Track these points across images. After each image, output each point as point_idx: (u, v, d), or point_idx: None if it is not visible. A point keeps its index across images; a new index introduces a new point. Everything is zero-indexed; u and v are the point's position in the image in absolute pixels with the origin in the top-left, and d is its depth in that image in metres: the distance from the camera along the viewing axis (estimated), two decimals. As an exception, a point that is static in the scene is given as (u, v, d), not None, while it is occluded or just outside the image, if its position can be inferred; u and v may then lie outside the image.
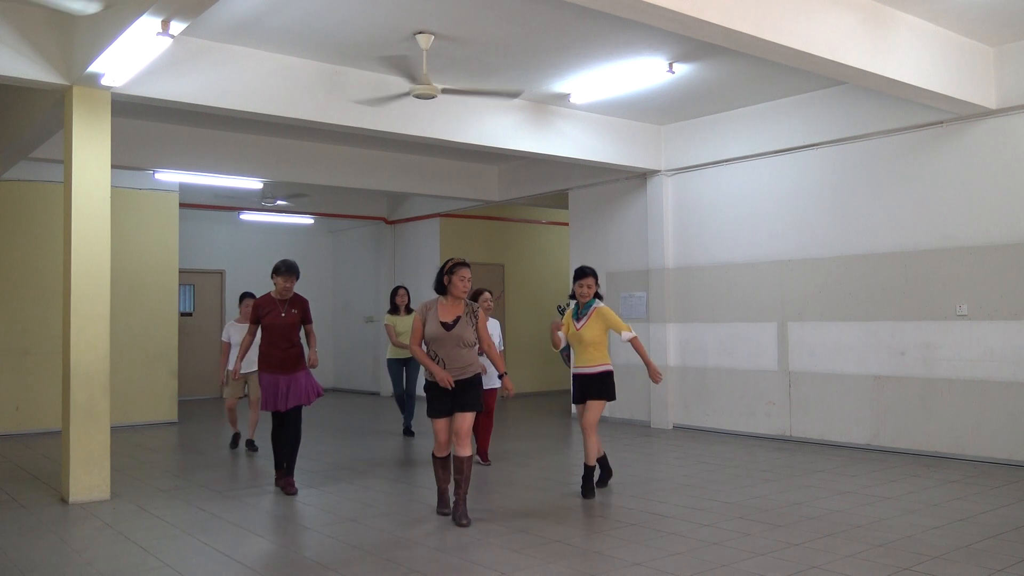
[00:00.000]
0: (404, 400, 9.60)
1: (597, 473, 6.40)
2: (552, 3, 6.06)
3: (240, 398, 8.88)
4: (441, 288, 5.50)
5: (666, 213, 10.12)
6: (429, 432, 10.00)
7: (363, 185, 11.13)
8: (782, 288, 8.90)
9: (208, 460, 8.17)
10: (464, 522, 5.30)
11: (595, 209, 11.15)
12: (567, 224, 12.06)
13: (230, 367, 8.52)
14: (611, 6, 4.98)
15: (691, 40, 6.62)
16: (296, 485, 6.52)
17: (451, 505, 5.53)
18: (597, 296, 6.31)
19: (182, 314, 13.75)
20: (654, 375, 6.29)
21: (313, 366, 6.49)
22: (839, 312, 8.39)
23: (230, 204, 13.48)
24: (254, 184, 11.33)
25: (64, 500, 6.22)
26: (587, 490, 6.16)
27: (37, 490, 6.68)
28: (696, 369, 9.77)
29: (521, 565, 4.45)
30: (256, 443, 8.67)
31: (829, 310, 8.48)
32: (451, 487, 5.56)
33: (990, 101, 7.26)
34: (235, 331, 8.64)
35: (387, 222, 14.82)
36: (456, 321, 5.41)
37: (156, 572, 4.45)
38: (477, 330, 5.52)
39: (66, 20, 6.15)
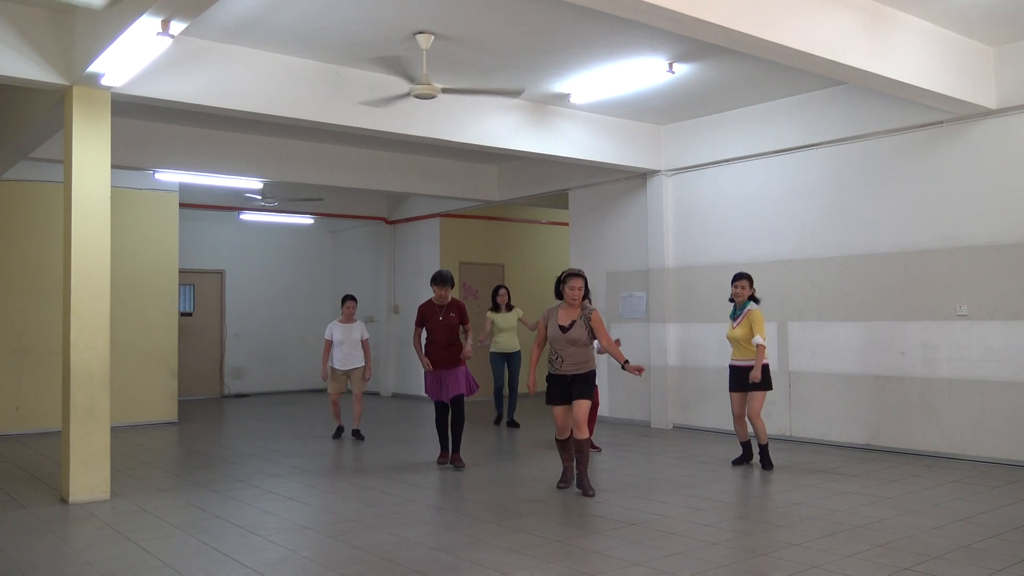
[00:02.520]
0: (501, 393, 10.30)
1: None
2: (552, 3, 6.06)
3: (342, 393, 9.42)
4: (559, 295, 6.34)
5: (666, 213, 10.12)
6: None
7: (363, 185, 11.13)
8: (782, 288, 8.89)
9: (208, 460, 8.17)
10: (590, 493, 6.12)
11: (595, 209, 11.15)
12: (567, 224, 12.06)
13: (332, 364, 9.24)
14: (611, 6, 4.98)
15: (691, 40, 6.62)
16: (463, 460, 7.51)
17: (571, 480, 6.41)
18: (753, 299, 7.22)
19: (182, 314, 13.75)
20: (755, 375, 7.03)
21: (467, 356, 7.47)
22: (839, 312, 8.39)
23: (231, 204, 13.48)
24: (254, 184, 11.33)
25: (64, 500, 6.22)
26: (767, 463, 7.15)
27: (37, 490, 6.68)
28: (696, 369, 9.77)
29: (521, 565, 4.45)
30: (361, 432, 9.39)
31: (829, 310, 8.48)
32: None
33: (990, 101, 7.26)
34: (338, 330, 9.24)
35: (387, 222, 14.82)
36: (572, 324, 6.22)
37: (156, 572, 4.45)
38: (592, 330, 6.26)
39: (66, 20, 6.16)
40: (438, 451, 7.73)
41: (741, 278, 7.22)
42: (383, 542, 4.96)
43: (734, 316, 7.25)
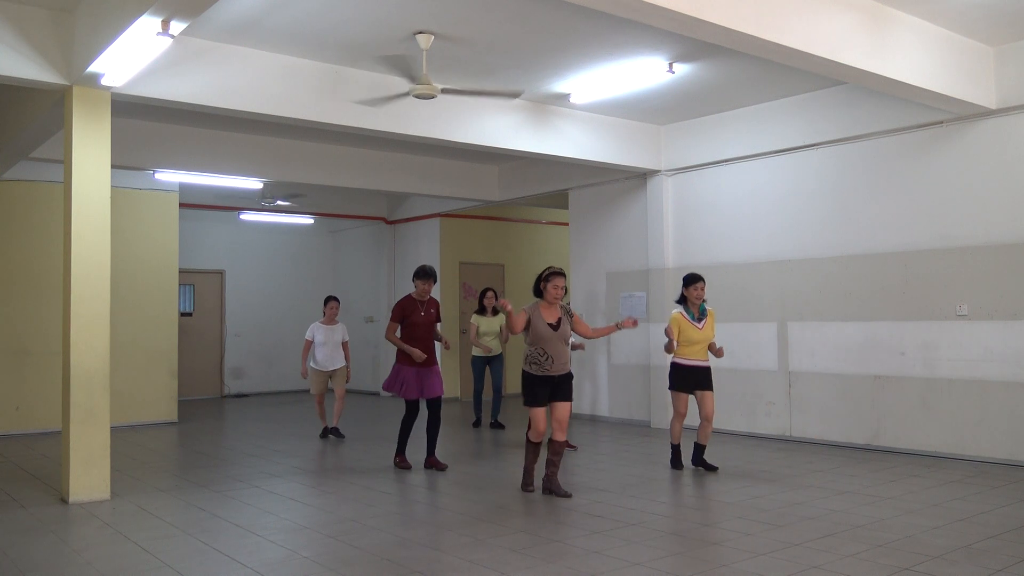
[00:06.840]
0: (480, 397, 10.25)
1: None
2: (552, 3, 6.06)
3: (325, 392, 9.46)
4: (538, 293, 6.19)
5: (666, 213, 10.12)
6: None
7: (363, 185, 11.13)
8: (782, 288, 8.89)
9: (208, 460, 8.17)
10: (567, 493, 6.07)
11: (595, 209, 11.15)
12: (567, 224, 12.06)
13: (313, 364, 9.30)
14: (611, 6, 4.98)
15: (691, 40, 6.62)
16: (442, 462, 7.40)
17: (534, 483, 6.32)
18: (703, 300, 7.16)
19: (182, 314, 13.75)
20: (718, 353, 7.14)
21: (447, 347, 7.81)
22: (839, 312, 8.39)
23: (230, 204, 13.48)
24: (254, 184, 11.33)
25: (64, 500, 6.22)
26: (709, 464, 7.18)
27: (37, 490, 6.68)
28: (696, 369, 9.75)
29: (521, 565, 4.45)
30: (341, 431, 9.49)
31: (829, 310, 8.48)
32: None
33: (990, 101, 7.26)
34: (319, 331, 9.31)
35: (387, 222, 14.82)
36: (559, 322, 6.11)
37: (156, 572, 4.45)
38: (574, 326, 6.24)
39: (66, 20, 6.16)
40: (395, 451, 7.57)
41: (701, 280, 7.07)
42: (383, 542, 4.96)
43: (697, 318, 7.00)
